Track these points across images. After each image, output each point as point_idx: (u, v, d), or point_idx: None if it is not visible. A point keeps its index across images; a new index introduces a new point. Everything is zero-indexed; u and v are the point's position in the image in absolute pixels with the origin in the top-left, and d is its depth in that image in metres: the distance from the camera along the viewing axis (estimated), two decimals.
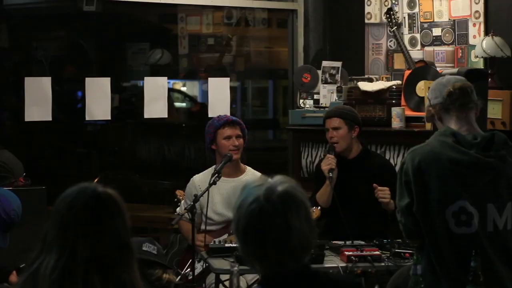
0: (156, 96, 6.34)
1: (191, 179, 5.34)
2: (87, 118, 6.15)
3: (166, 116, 6.45)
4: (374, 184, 5.03)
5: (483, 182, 3.41)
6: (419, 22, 6.45)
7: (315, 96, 6.61)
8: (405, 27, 6.52)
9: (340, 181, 5.21)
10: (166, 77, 6.56)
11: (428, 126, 5.46)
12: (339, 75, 6.54)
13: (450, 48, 6.30)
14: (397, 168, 5.62)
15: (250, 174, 5.29)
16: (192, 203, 4.70)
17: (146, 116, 6.36)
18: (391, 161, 5.82)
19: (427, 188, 3.41)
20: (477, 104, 3.56)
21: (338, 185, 5.20)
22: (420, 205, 3.43)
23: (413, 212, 3.44)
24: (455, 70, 5.44)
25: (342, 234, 4.91)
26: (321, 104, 6.51)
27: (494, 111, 5.50)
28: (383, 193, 5.02)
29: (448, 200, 3.39)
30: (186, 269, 5.02)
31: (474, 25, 6.12)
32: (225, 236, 5.05)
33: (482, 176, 3.40)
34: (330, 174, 5.17)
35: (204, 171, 5.33)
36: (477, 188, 3.40)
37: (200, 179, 5.26)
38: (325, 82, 6.54)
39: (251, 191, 2.41)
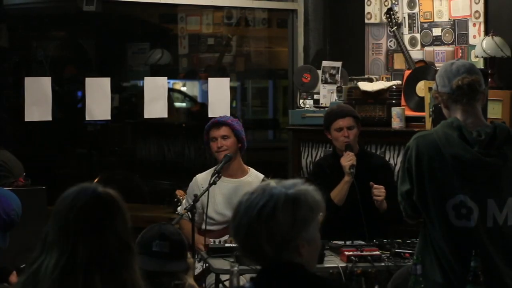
0: (156, 96, 6.34)
1: (194, 178, 5.33)
2: (87, 118, 6.14)
3: (166, 116, 6.45)
4: (371, 183, 5.02)
5: (484, 178, 3.43)
6: (419, 22, 6.45)
7: (315, 96, 6.61)
8: (405, 27, 6.52)
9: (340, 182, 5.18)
10: (166, 77, 6.55)
11: (428, 126, 5.46)
12: (339, 75, 6.54)
13: (450, 48, 6.29)
14: (398, 161, 5.64)
15: (253, 176, 5.29)
16: (192, 203, 4.71)
17: (146, 116, 6.36)
18: (391, 161, 5.82)
19: (428, 181, 3.43)
20: (484, 92, 3.58)
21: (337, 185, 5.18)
22: (420, 195, 3.47)
23: (412, 198, 3.50)
24: None
25: (356, 232, 4.90)
26: (321, 104, 6.51)
27: (494, 111, 5.50)
28: (378, 191, 5.01)
29: (449, 194, 3.41)
30: None
31: (474, 25, 6.12)
32: (226, 237, 5.04)
33: (482, 173, 3.43)
34: (352, 170, 5.10)
35: (207, 171, 5.31)
36: (478, 184, 3.42)
37: (203, 178, 5.25)
38: (325, 82, 6.54)
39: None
